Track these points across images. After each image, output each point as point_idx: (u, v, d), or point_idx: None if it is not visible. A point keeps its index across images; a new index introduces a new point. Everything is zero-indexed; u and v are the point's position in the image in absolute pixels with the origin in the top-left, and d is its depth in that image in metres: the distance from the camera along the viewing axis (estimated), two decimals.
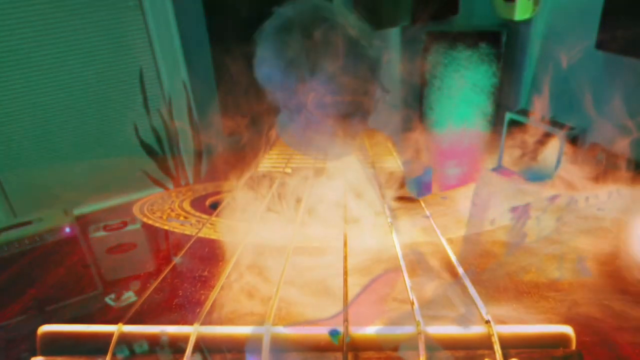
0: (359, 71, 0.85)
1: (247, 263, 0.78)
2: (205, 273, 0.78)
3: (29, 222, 2.21)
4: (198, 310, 0.42)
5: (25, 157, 2.34)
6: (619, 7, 1.78)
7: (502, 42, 2.23)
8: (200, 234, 0.70)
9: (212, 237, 0.77)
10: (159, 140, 2.38)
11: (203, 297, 0.82)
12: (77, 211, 2.40)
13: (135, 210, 0.98)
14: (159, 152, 2.40)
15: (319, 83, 0.85)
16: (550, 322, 0.42)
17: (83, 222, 2.38)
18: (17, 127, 2.27)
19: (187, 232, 0.83)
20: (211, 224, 0.76)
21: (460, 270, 0.45)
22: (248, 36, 0.92)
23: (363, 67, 0.86)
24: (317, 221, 0.78)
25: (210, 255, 0.79)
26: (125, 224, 2.42)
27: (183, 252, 0.54)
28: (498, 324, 0.37)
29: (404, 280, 0.44)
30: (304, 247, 0.79)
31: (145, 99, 2.28)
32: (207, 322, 0.39)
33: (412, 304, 0.40)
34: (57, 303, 1.86)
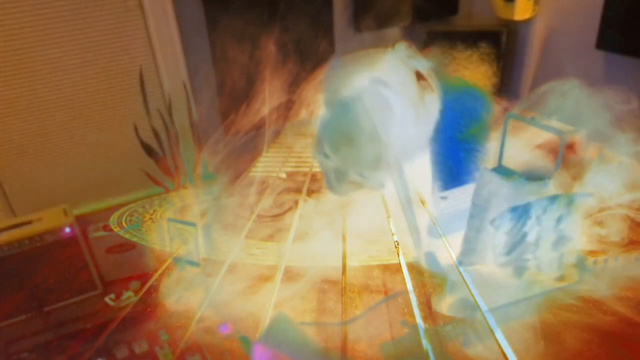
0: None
1: (229, 287, 0.75)
2: (183, 301, 0.74)
3: (29, 222, 2.21)
4: None
5: (25, 157, 2.34)
6: (618, 7, 1.78)
7: (502, 42, 2.22)
8: (180, 252, 0.67)
9: (193, 257, 0.73)
10: (159, 140, 2.38)
11: (179, 331, 0.78)
12: (77, 211, 2.39)
13: (113, 221, 0.92)
14: (159, 152, 2.40)
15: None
16: None
17: (83, 222, 2.37)
18: (18, 127, 2.27)
19: (167, 249, 0.79)
20: (195, 238, 0.73)
21: (485, 310, 0.38)
22: (248, 36, 0.92)
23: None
24: (311, 238, 0.75)
25: (188, 278, 0.76)
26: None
27: (154, 279, 0.51)
28: None
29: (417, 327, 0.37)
30: (295, 267, 0.75)
31: (145, 99, 2.28)
32: None
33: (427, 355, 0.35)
34: (56, 303, 1.85)
